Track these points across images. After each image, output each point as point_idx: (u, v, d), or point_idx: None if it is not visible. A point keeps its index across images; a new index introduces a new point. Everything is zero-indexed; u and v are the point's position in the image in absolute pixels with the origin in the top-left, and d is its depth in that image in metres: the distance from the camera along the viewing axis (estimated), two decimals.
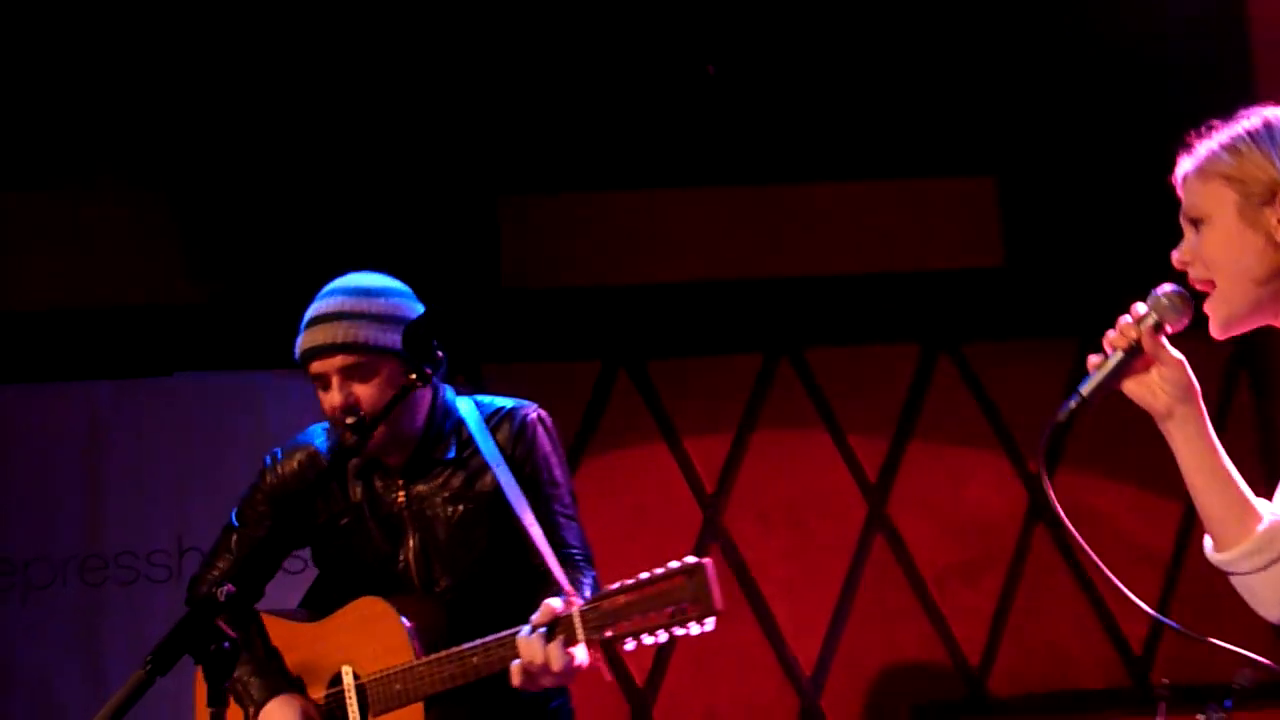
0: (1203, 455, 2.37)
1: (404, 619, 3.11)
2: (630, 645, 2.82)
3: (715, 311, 5.30)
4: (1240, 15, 5.56)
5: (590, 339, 5.35)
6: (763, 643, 5.17)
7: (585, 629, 2.84)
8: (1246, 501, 2.32)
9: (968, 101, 5.41)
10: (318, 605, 3.36)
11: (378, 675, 3.11)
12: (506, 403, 3.31)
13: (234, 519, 3.37)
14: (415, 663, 3.06)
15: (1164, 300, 2.24)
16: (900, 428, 5.32)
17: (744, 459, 5.20)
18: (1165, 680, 4.44)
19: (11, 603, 5.00)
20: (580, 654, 2.85)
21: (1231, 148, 2.20)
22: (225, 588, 2.50)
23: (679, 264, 5.31)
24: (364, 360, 3.11)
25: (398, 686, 3.08)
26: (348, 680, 3.16)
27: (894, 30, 5.38)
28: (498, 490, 3.15)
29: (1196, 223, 2.24)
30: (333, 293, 3.25)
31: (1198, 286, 2.23)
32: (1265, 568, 2.31)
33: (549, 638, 2.83)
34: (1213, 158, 2.22)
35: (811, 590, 5.24)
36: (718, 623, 2.78)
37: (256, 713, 3.15)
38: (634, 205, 5.40)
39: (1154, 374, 2.30)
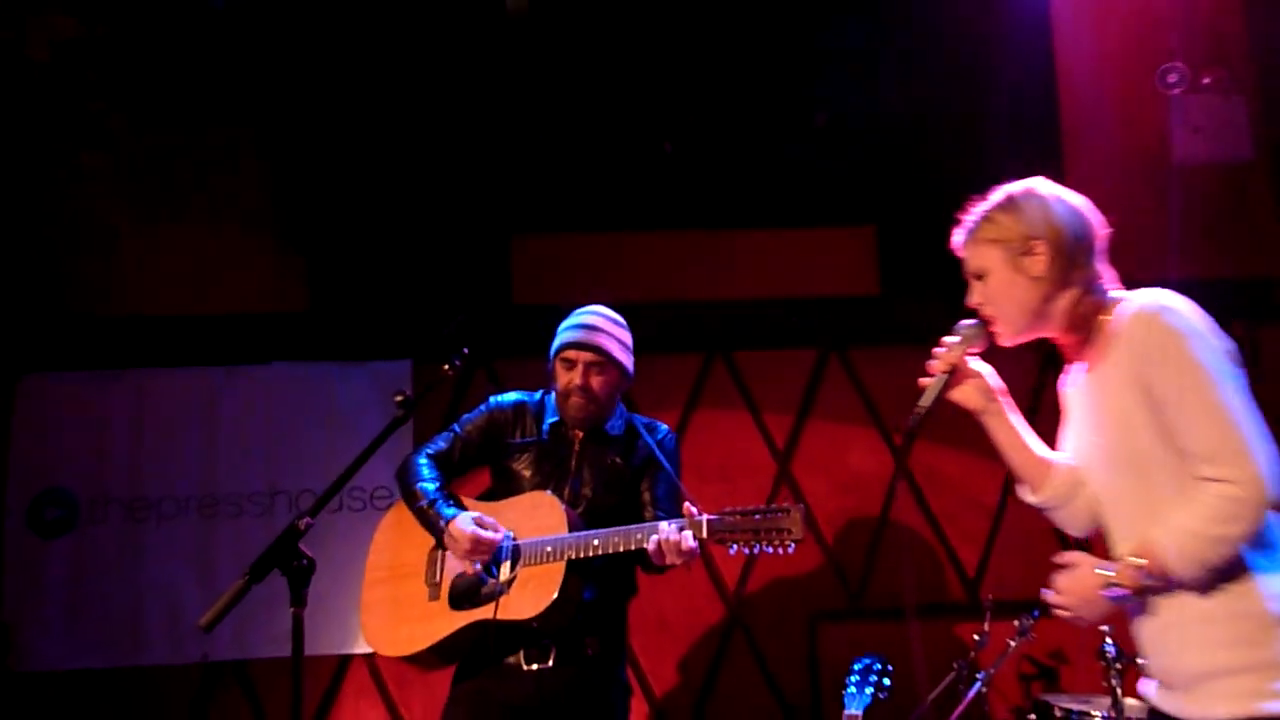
0: (1008, 433, 2.55)
1: (565, 507, 3.30)
2: (733, 550, 3.13)
3: (669, 322, 5.31)
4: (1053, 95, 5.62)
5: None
6: (700, 568, 5.17)
7: (708, 530, 3.13)
8: (1042, 459, 2.50)
9: (853, 171, 5.44)
10: (492, 487, 3.58)
11: (533, 540, 3.26)
12: (657, 422, 3.63)
13: (456, 426, 3.57)
14: (566, 535, 3.21)
15: (967, 330, 2.37)
16: (801, 409, 5.33)
17: (688, 432, 5.22)
18: (990, 596, 4.48)
19: (148, 531, 4.97)
20: (696, 545, 3.13)
21: (989, 219, 2.36)
22: (305, 519, 2.50)
23: (642, 287, 5.30)
24: (605, 363, 3.44)
25: (548, 548, 3.21)
26: (505, 541, 3.30)
27: (801, 122, 5.43)
28: (645, 462, 3.47)
29: (979, 276, 2.37)
30: (596, 313, 3.55)
31: (988, 321, 2.35)
32: (1064, 505, 2.48)
33: (683, 529, 3.10)
34: (977, 228, 2.38)
35: None
36: None
37: (445, 524, 3.30)
38: (609, 243, 5.41)
39: (968, 383, 2.41)
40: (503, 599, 3.21)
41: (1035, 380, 5.42)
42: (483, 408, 3.59)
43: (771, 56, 5.40)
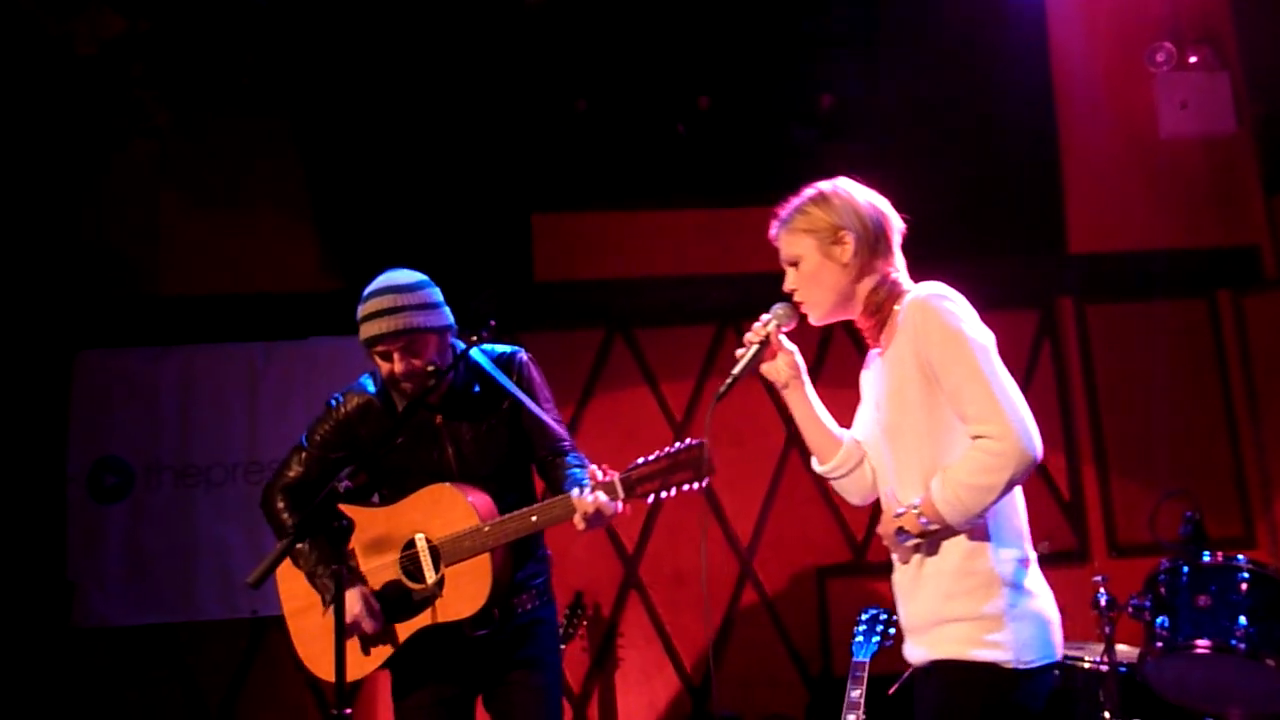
0: (805, 408, 2.59)
1: (468, 496, 3.04)
2: (650, 499, 2.89)
3: (681, 295, 5.31)
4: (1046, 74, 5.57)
5: (595, 314, 5.34)
6: (714, 526, 5.18)
7: (624, 488, 2.89)
8: (832, 433, 2.57)
9: (854, 149, 5.40)
10: (377, 488, 3.25)
11: (448, 537, 3.02)
12: (505, 349, 3.24)
13: (303, 440, 3.21)
14: (481, 524, 2.98)
15: (780, 310, 2.48)
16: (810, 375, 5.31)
17: (701, 399, 5.22)
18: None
19: (198, 495, 5.00)
20: (618, 505, 2.90)
21: (802, 210, 2.44)
22: (344, 482, 2.52)
23: (656, 262, 5.30)
24: (415, 339, 3.03)
25: (467, 543, 2.98)
26: (421, 543, 3.06)
27: (807, 104, 5.39)
28: (515, 407, 3.15)
29: (794, 264, 2.46)
30: (383, 291, 3.08)
31: (799, 303, 2.45)
32: (846, 474, 2.56)
33: (594, 492, 2.85)
34: (792, 219, 2.45)
35: (748, 486, 5.25)
36: (688, 499, 2.90)
37: (328, 599, 3.08)
38: (625, 220, 5.39)
39: (778, 359, 2.52)
40: (438, 602, 3.02)
41: (1029, 354, 5.43)
42: (322, 415, 3.21)
43: (778, 41, 5.36)
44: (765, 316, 2.50)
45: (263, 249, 5.22)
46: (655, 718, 5.08)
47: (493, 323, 3.01)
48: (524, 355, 3.24)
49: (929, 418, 2.30)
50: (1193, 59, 5.44)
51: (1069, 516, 5.34)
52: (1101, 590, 3.84)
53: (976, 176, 5.38)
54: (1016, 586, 2.27)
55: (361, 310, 3.09)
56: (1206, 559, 3.79)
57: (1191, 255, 5.50)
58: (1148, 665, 3.83)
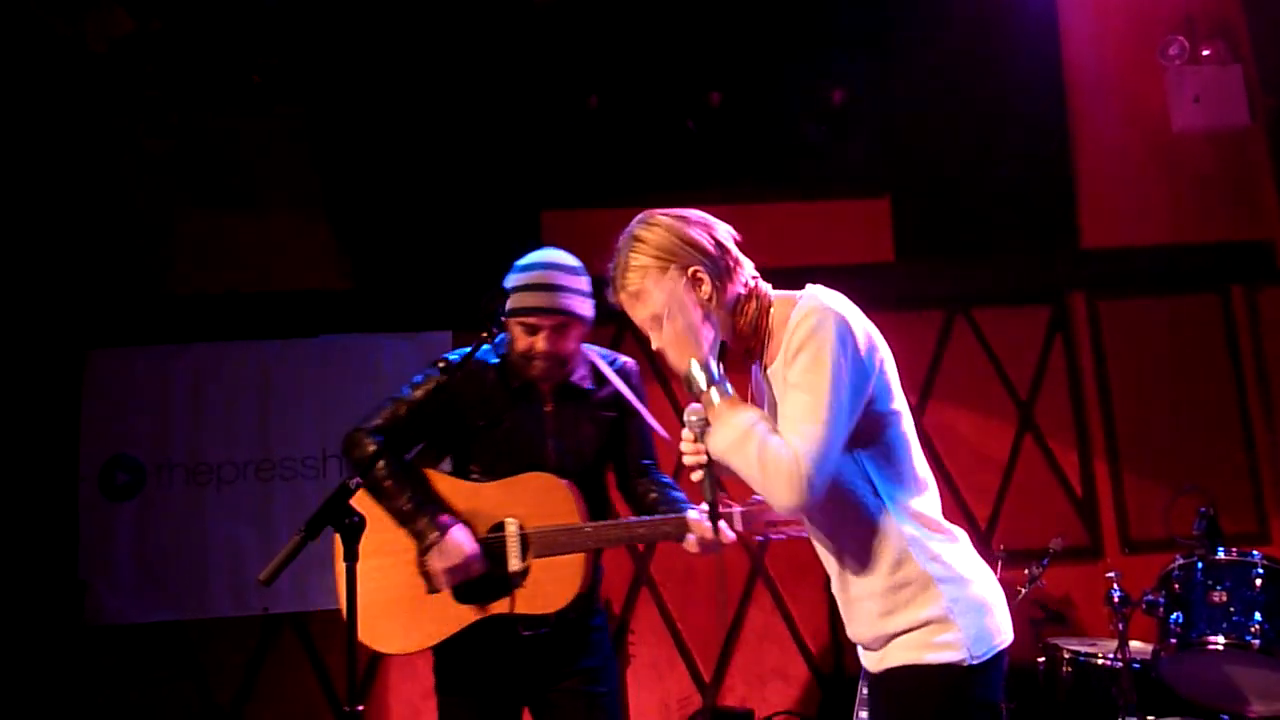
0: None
1: (574, 492, 2.93)
2: (760, 539, 2.89)
3: None
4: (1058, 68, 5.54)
5: (604, 310, 5.31)
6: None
7: (743, 521, 2.82)
8: None
9: (868, 145, 5.38)
10: (467, 466, 3.06)
11: (543, 529, 2.90)
12: (614, 354, 3.17)
13: (404, 391, 3.02)
14: (583, 524, 2.89)
15: (694, 419, 2.25)
16: None
17: None
18: (1002, 546, 4.47)
19: (209, 493, 5.01)
20: (733, 536, 2.81)
21: (633, 267, 2.27)
22: (356, 480, 2.49)
23: None
24: (567, 324, 2.96)
25: (563, 539, 2.88)
26: (511, 528, 2.93)
27: (818, 100, 5.37)
28: (624, 414, 3.06)
29: (656, 320, 2.26)
30: (548, 266, 3.00)
31: (674, 363, 2.25)
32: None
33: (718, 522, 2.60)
34: (628, 280, 2.28)
35: None
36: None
37: (440, 535, 2.87)
38: (634, 217, 5.35)
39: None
40: (518, 591, 2.90)
41: (1041, 349, 5.40)
42: (432, 374, 3.03)
43: (790, 37, 5.34)
44: (686, 433, 2.28)
45: (274, 247, 5.22)
46: (666, 713, 5.07)
47: (504, 319, 2.98)
48: (634, 364, 3.16)
49: None
50: (1205, 52, 5.41)
51: (1081, 513, 5.32)
52: (1115, 586, 3.82)
53: (988, 172, 5.36)
54: (952, 580, 2.20)
55: (519, 279, 2.98)
56: (1221, 555, 3.78)
57: (1204, 250, 5.47)
58: (1162, 661, 3.81)
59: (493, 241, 5.20)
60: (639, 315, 2.29)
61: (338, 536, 2.70)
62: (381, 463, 2.94)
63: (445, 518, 2.91)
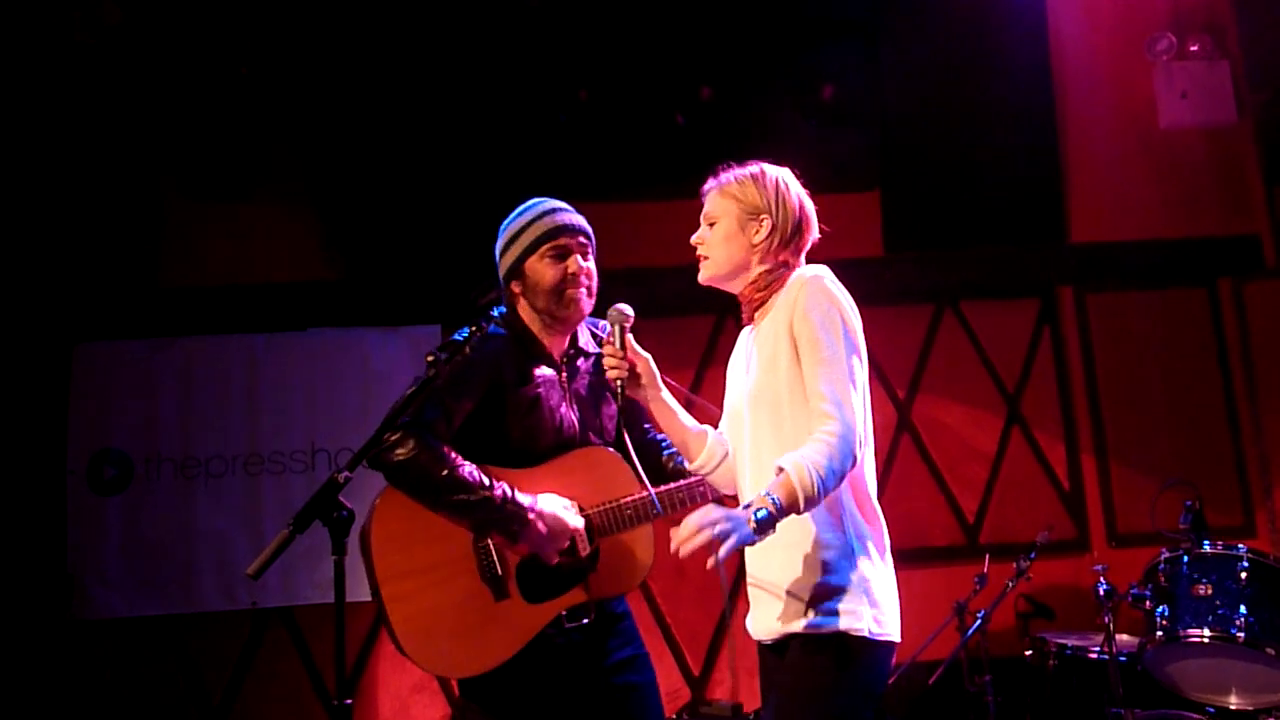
0: (665, 410, 2.66)
1: (622, 462, 2.82)
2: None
3: (681, 285, 5.26)
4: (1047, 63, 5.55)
5: (604, 305, 5.30)
6: None
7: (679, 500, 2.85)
8: (694, 431, 2.64)
9: (857, 141, 5.38)
10: (506, 460, 2.84)
11: (606, 506, 2.81)
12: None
13: (444, 393, 2.78)
14: (645, 493, 2.79)
15: (615, 315, 2.64)
16: None
17: (702, 389, 5.21)
18: (988, 540, 4.49)
19: (198, 487, 4.99)
20: None
21: (739, 180, 2.54)
22: (344, 474, 2.48)
23: (656, 252, 5.27)
24: (588, 241, 2.96)
25: (629, 512, 2.81)
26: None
27: (807, 95, 5.37)
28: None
29: (711, 223, 2.55)
30: (545, 201, 2.97)
31: (700, 255, 2.55)
32: (714, 468, 2.62)
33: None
34: (726, 184, 2.55)
35: None
36: None
37: (529, 510, 2.73)
38: (625, 212, 5.34)
39: (637, 367, 2.63)
40: (591, 576, 2.79)
41: (1029, 343, 5.42)
42: (469, 360, 2.80)
43: (779, 31, 5.33)
44: (606, 327, 2.61)
45: (263, 240, 5.21)
46: None
47: (494, 313, 2.97)
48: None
49: (791, 390, 2.34)
50: (1193, 48, 5.42)
51: (1068, 506, 5.34)
52: (1101, 580, 3.83)
53: (977, 165, 5.37)
54: (871, 562, 2.31)
55: (521, 220, 2.92)
56: (1207, 548, 3.80)
57: (1192, 244, 5.49)
58: (1148, 654, 3.83)
59: (481, 235, 5.18)
60: (708, 208, 2.56)
61: (375, 529, 2.72)
62: (442, 457, 2.72)
63: (526, 500, 2.74)
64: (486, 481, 2.71)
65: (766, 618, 2.41)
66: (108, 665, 4.85)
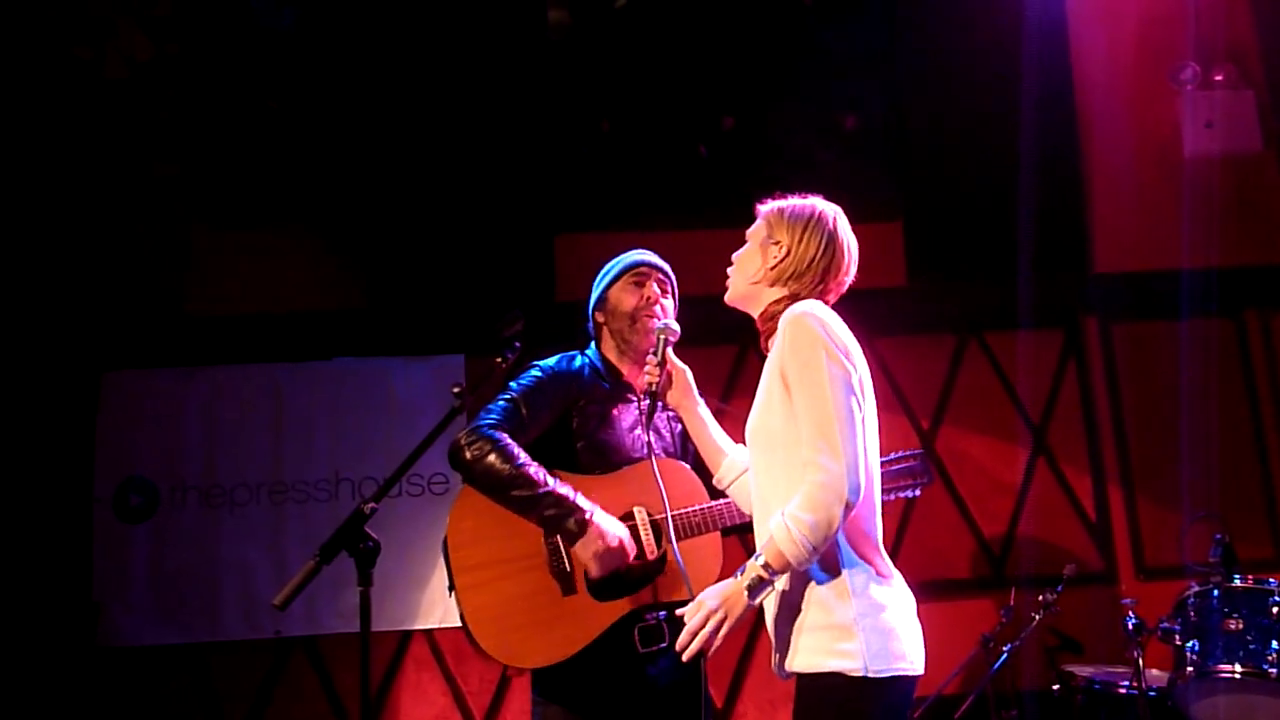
0: (697, 423, 2.83)
1: (692, 472, 2.97)
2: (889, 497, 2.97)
3: (703, 315, 5.28)
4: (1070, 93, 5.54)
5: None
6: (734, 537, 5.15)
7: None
8: (720, 447, 2.80)
9: (880, 170, 5.39)
10: (575, 468, 2.97)
11: (675, 512, 2.83)
12: None
13: (521, 401, 2.96)
14: (714, 502, 2.89)
15: (660, 327, 2.92)
16: None
17: (723, 421, 5.18)
18: (1015, 572, 4.45)
19: (223, 516, 5.02)
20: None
21: (779, 207, 2.59)
22: (370, 504, 2.49)
23: (679, 282, 5.28)
24: (671, 288, 3.22)
25: (697, 520, 2.88)
26: (641, 516, 2.92)
27: (829, 125, 5.38)
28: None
29: (747, 240, 2.61)
30: (653, 254, 3.24)
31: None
32: (730, 483, 2.76)
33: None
34: (771, 207, 2.61)
35: None
36: None
37: (587, 521, 2.80)
38: (647, 242, 5.29)
39: (673, 378, 2.84)
40: (659, 579, 2.84)
41: (1054, 372, 5.40)
42: (542, 375, 3.03)
43: (801, 63, 5.37)
44: (651, 355, 2.80)
45: (289, 270, 5.25)
46: None
47: (518, 345, 2.99)
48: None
49: (785, 426, 2.34)
50: (1218, 77, 5.42)
51: (1095, 538, 5.29)
52: (1130, 613, 3.80)
53: (1000, 195, 5.37)
54: (868, 598, 2.27)
55: (626, 254, 3.22)
56: (1237, 582, 3.75)
57: (1218, 274, 5.46)
58: (1178, 690, 3.79)
59: (506, 265, 5.23)
60: (752, 226, 2.63)
61: (451, 525, 2.82)
62: (511, 455, 2.83)
63: (586, 505, 2.82)
64: (550, 481, 2.83)
65: (775, 656, 2.41)
66: (132, 693, 4.87)
